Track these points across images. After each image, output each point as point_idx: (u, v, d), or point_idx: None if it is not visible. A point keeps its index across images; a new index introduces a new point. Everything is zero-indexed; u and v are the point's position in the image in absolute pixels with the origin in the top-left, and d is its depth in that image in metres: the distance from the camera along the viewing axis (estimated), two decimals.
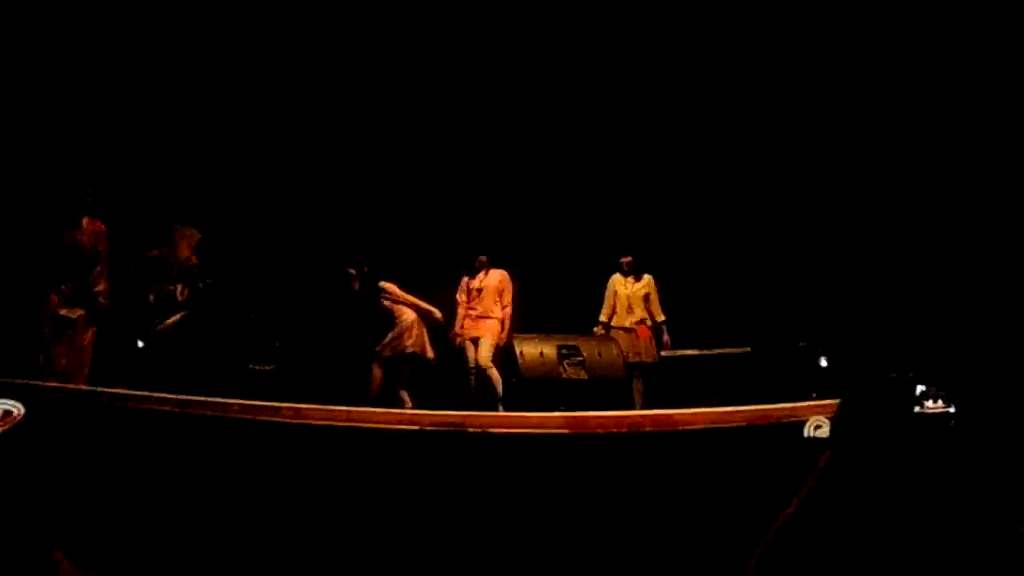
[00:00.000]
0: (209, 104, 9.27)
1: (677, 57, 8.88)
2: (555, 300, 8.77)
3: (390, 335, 7.48)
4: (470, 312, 7.68)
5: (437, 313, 7.61)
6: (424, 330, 7.51)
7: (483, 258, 7.75)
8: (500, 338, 7.57)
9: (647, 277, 8.05)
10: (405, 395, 7.40)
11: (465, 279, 7.78)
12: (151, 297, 7.54)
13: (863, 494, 2.25)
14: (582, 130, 11.09)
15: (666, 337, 8.00)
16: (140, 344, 6.91)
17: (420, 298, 7.61)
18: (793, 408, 6.05)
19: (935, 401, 3.67)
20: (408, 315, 7.50)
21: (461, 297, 7.76)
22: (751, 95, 9.38)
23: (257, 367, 7.73)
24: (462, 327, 7.72)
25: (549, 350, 7.34)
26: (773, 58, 8.57)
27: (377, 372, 7.37)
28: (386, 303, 7.54)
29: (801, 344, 7.54)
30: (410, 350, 7.41)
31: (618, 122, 10.95)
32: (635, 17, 8.74)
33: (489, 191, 10.15)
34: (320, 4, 8.76)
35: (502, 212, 9.08)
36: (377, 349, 7.44)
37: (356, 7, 8.81)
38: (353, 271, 7.68)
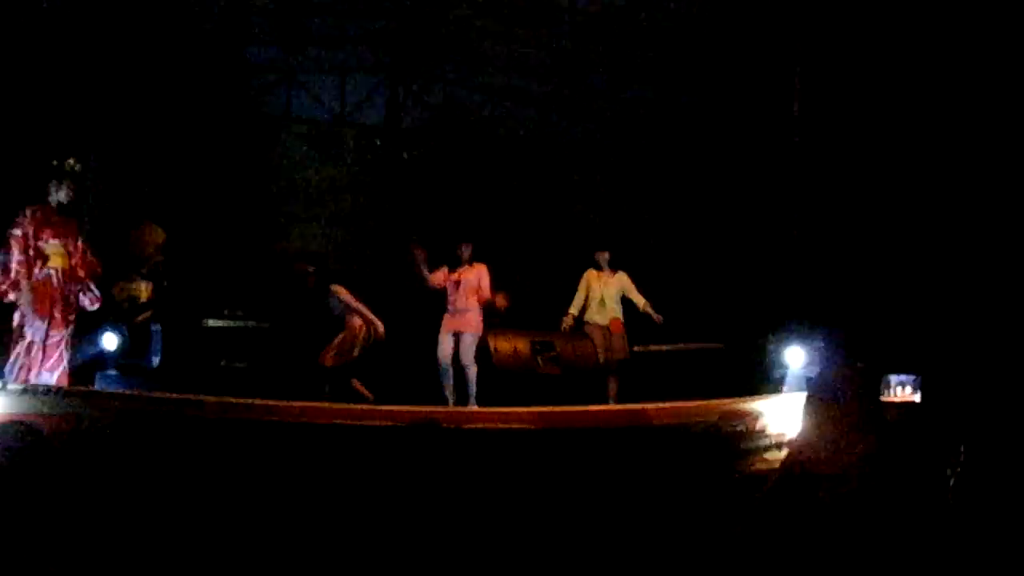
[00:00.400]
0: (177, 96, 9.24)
1: (654, 52, 8.91)
2: (527, 296, 8.77)
3: (336, 342, 7.42)
4: (449, 306, 7.45)
5: (381, 327, 7.52)
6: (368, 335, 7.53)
7: (467, 250, 7.49)
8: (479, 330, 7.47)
9: (621, 274, 8.06)
10: (359, 385, 7.38)
11: (445, 269, 7.51)
12: (114, 291, 7.52)
13: (832, 480, 2.31)
14: (556, 129, 11.19)
15: (656, 316, 7.99)
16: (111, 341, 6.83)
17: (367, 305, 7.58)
18: (755, 401, 6.16)
19: (903, 389, 3.77)
20: (356, 322, 7.45)
21: (435, 278, 7.49)
22: (727, 92, 9.48)
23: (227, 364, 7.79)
24: (453, 321, 7.44)
25: (523, 345, 7.36)
26: (749, 51, 8.62)
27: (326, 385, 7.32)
28: (336, 306, 7.49)
29: (771, 339, 7.59)
30: (357, 355, 7.43)
31: (593, 120, 11.06)
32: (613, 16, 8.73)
33: (462, 186, 10.22)
34: None
35: (476, 207, 9.09)
36: (323, 359, 7.38)
37: None
38: (309, 268, 7.64)
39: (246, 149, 10.05)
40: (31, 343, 5.92)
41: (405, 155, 10.63)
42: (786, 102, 8.21)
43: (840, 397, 2.53)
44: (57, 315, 6.00)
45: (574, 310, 7.90)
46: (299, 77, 10.53)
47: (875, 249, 7.60)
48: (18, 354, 5.90)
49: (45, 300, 5.94)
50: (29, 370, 5.87)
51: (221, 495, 4.65)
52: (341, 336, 7.44)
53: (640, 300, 7.97)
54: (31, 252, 5.91)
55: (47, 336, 5.95)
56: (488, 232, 7.88)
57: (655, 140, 10.93)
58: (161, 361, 7.22)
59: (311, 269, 7.64)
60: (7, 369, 5.85)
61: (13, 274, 5.87)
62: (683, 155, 10.60)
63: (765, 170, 8.93)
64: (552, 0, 8.25)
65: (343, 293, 7.47)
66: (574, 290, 8.01)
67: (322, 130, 10.57)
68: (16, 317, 5.93)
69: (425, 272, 7.44)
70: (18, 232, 5.90)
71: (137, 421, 5.13)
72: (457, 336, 7.35)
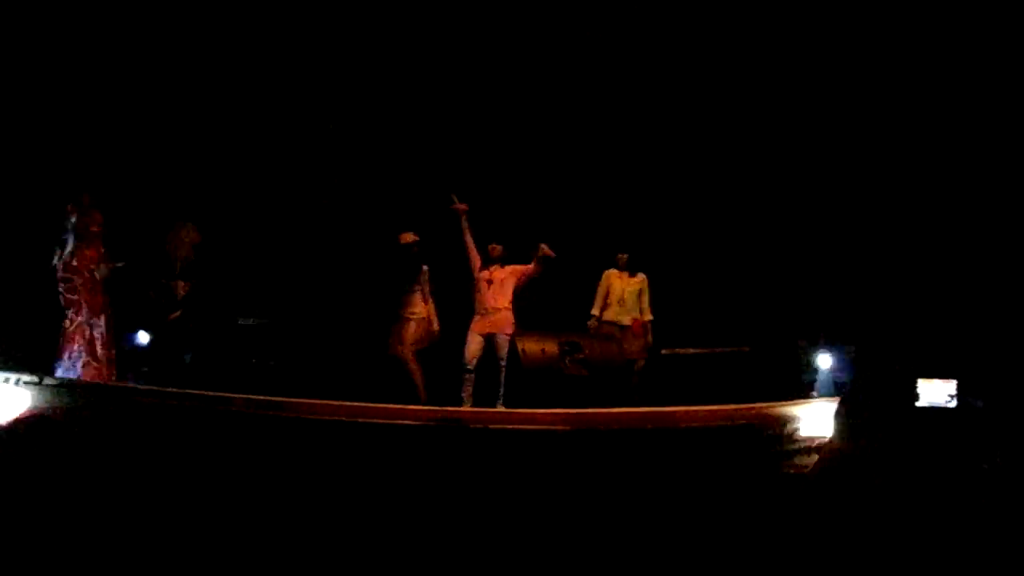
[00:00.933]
0: (210, 100, 9.33)
1: (675, 54, 8.86)
2: (550, 297, 8.73)
3: (410, 332, 7.38)
4: (479, 307, 7.38)
5: (437, 325, 7.54)
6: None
7: (498, 248, 7.46)
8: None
9: (642, 275, 8.05)
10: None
11: (478, 266, 7.44)
12: (151, 292, 7.64)
13: (866, 482, 2.29)
14: (580, 127, 11.14)
15: (649, 337, 8.00)
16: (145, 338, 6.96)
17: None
18: (788, 406, 6.11)
19: (939, 394, 3.71)
20: (422, 311, 7.47)
21: (476, 258, 7.41)
22: (749, 94, 9.41)
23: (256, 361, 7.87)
24: (486, 323, 7.37)
25: (551, 347, 7.34)
26: (770, 56, 8.55)
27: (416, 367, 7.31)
28: (414, 288, 7.47)
29: (801, 343, 7.54)
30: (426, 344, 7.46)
31: (618, 120, 11.00)
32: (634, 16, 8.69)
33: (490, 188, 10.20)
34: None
35: (503, 208, 9.05)
36: (399, 352, 7.33)
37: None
38: (415, 238, 7.56)
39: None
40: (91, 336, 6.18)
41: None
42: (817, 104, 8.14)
43: (875, 402, 2.50)
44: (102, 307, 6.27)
45: (596, 311, 7.90)
46: None
47: (909, 252, 7.52)
48: (80, 348, 6.15)
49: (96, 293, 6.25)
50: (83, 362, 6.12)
51: (244, 489, 4.70)
52: (413, 326, 7.42)
53: (646, 311, 7.97)
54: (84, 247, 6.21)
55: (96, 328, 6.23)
56: (511, 231, 7.82)
57: (682, 137, 10.87)
58: (193, 358, 7.32)
59: (416, 239, 7.56)
60: (64, 363, 6.07)
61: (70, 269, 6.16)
62: (712, 153, 10.53)
63: (797, 170, 8.86)
64: None
65: (426, 275, 7.50)
66: (593, 290, 8.02)
67: None
68: (75, 312, 6.17)
69: (471, 240, 7.41)
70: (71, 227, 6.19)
71: (170, 416, 5.18)
72: (489, 337, 7.33)
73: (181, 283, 7.82)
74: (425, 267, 7.52)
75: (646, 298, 8.00)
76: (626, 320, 7.92)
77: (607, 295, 7.96)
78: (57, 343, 6.19)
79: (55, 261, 6.24)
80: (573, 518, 4.90)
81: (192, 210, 8.19)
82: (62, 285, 6.21)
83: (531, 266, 7.37)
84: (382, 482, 4.98)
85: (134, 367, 6.93)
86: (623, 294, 7.91)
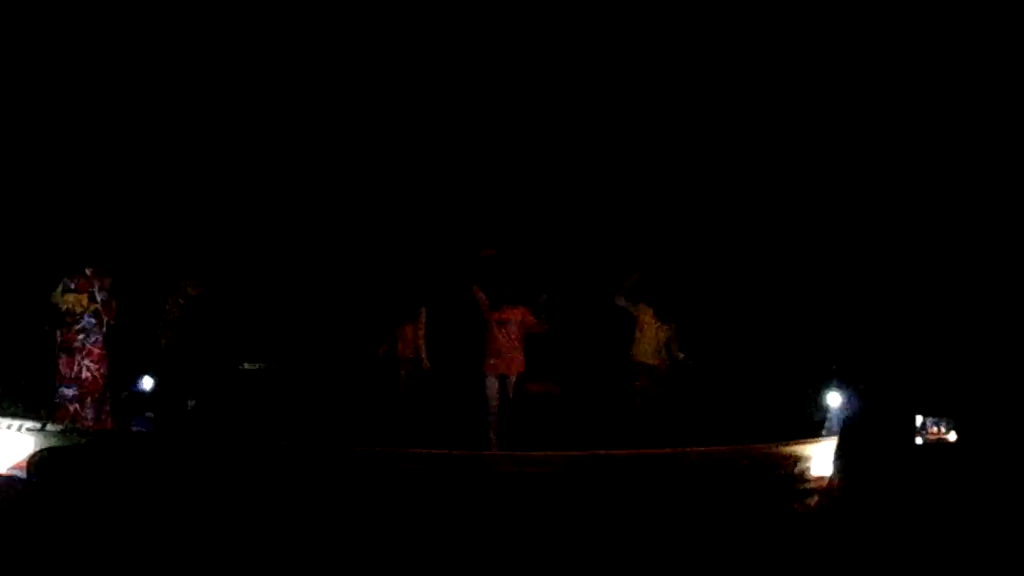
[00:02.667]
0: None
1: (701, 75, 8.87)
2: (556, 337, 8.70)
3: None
4: (492, 348, 7.30)
5: (427, 364, 7.77)
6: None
7: (508, 290, 7.41)
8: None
9: (670, 324, 8.05)
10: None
11: (486, 305, 7.38)
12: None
13: (868, 518, 2.23)
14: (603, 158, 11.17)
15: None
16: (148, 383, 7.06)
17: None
18: (799, 445, 6.03)
19: (938, 429, 3.64)
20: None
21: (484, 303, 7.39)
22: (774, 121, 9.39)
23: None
24: (500, 364, 7.31)
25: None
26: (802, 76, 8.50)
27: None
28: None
29: (812, 382, 7.46)
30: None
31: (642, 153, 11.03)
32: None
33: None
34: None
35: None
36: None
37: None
38: (407, 284, 7.95)
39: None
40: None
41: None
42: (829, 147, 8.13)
43: (874, 439, 2.44)
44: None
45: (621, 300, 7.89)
46: None
47: (910, 293, 7.46)
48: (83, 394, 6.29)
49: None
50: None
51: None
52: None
53: (676, 354, 8.00)
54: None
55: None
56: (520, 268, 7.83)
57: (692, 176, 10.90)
58: (196, 403, 7.37)
59: (408, 285, 7.93)
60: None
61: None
62: (719, 195, 10.55)
63: (808, 209, 8.83)
64: None
65: (423, 317, 7.77)
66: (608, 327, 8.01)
67: None
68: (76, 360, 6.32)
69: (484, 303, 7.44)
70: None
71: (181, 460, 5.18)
72: (503, 379, 7.31)
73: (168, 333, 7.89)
74: (423, 308, 7.72)
75: (675, 345, 8.00)
76: (655, 360, 7.92)
77: (642, 331, 7.93)
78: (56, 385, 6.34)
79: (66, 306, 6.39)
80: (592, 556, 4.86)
81: (193, 262, 8.29)
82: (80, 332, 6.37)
83: (537, 323, 7.38)
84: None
85: (138, 412, 6.95)
86: (656, 337, 7.90)
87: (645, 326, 7.93)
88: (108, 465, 4.72)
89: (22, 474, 4.61)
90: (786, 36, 8.33)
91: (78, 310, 6.37)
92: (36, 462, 2.73)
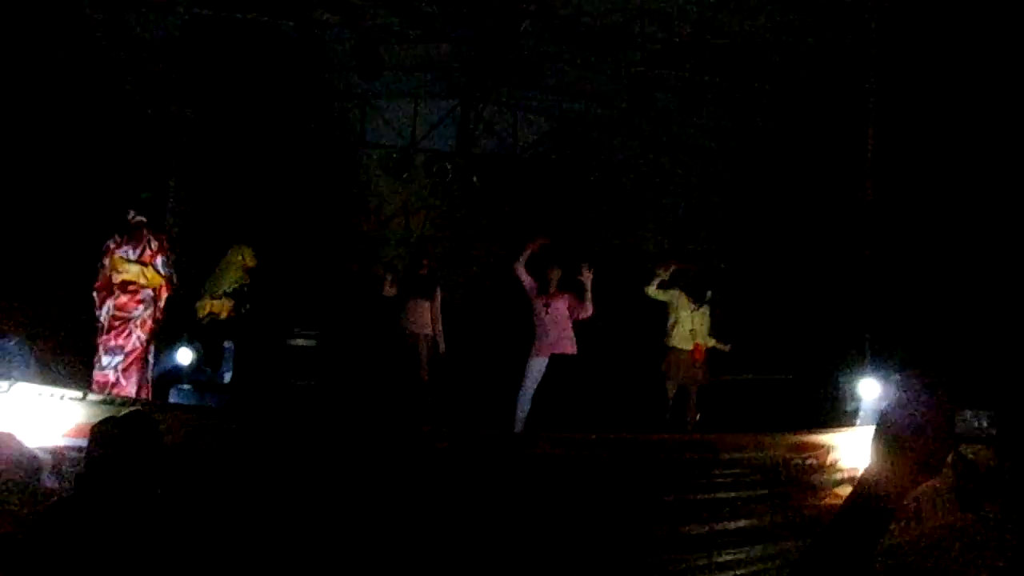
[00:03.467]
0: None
1: (725, 77, 8.77)
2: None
3: (424, 357, 7.90)
4: (541, 331, 7.30)
5: (443, 347, 8.05)
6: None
7: (556, 274, 7.40)
8: None
9: (706, 306, 8.06)
10: None
11: (535, 289, 7.40)
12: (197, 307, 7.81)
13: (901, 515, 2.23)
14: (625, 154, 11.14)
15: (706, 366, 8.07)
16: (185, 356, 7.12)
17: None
18: (830, 434, 6.00)
19: (978, 423, 3.62)
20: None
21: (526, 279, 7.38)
22: (800, 117, 9.31)
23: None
24: (548, 345, 7.30)
25: None
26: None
27: None
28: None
29: (844, 370, 7.42)
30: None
31: (663, 146, 10.97)
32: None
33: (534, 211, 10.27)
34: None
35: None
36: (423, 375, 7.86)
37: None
38: (424, 261, 8.21)
39: (324, 174, 10.32)
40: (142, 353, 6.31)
41: (475, 179, 10.74)
42: (860, 131, 8.00)
43: (913, 430, 2.43)
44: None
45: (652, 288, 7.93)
46: (373, 103, 10.75)
47: (949, 282, 7.35)
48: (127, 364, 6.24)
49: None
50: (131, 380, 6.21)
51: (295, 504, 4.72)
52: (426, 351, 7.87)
53: (708, 338, 8.04)
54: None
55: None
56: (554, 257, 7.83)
57: (726, 165, 10.84)
58: (233, 377, 7.43)
59: (425, 261, 8.17)
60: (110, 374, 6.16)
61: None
62: (756, 181, 10.48)
63: (841, 197, 8.73)
64: (624, 27, 8.19)
65: (438, 296, 8.06)
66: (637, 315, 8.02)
67: (395, 155, 10.75)
68: (128, 329, 6.27)
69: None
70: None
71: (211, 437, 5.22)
72: (552, 358, 7.26)
73: (226, 302, 7.94)
74: (439, 288, 8.00)
75: (708, 330, 8.07)
76: (689, 346, 7.94)
77: (677, 316, 7.94)
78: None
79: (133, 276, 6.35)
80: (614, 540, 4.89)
81: (248, 233, 8.35)
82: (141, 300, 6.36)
83: (583, 307, 7.31)
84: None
85: (174, 385, 7.03)
86: (692, 323, 7.91)
87: (680, 311, 7.95)
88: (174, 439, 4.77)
89: (73, 443, 4.68)
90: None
91: (141, 281, 6.28)
92: (102, 433, 2.77)
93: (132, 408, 5.25)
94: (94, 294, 6.30)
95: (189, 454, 4.85)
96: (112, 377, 6.19)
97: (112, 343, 6.23)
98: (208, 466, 4.80)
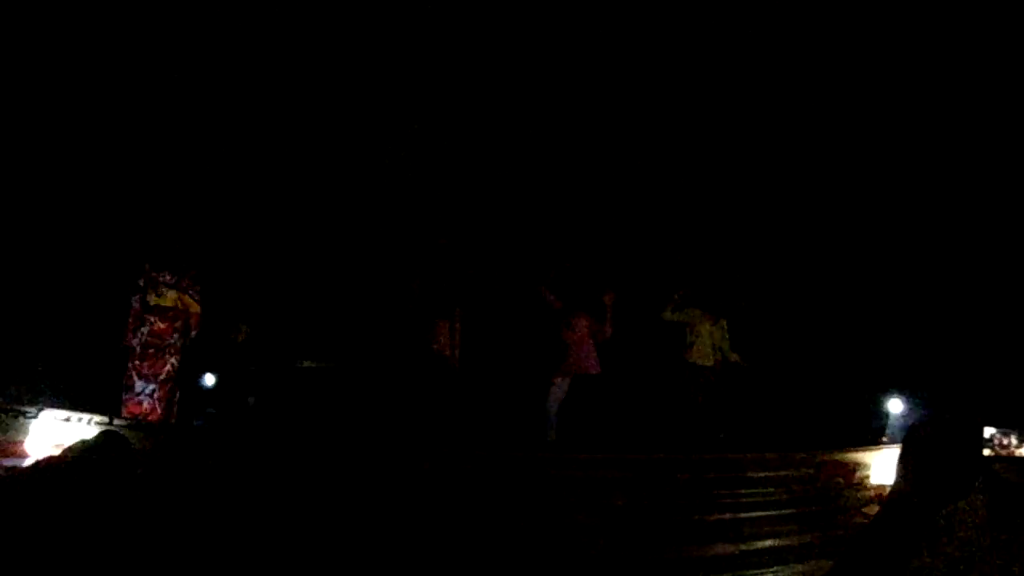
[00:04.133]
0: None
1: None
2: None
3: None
4: (565, 349, 7.37)
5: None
6: None
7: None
8: None
9: (723, 320, 8.00)
10: None
11: (558, 309, 7.47)
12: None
13: (928, 534, 2.20)
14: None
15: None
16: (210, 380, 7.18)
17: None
18: (858, 452, 5.94)
19: (1007, 440, 3.57)
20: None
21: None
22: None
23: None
24: (572, 366, 7.40)
25: None
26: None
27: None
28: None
29: (872, 388, 7.36)
30: None
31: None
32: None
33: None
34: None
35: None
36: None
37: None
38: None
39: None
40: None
41: None
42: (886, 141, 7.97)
43: (939, 449, 2.41)
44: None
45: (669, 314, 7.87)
46: None
47: (978, 300, 7.29)
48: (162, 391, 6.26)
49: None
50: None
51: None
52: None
53: (728, 352, 7.92)
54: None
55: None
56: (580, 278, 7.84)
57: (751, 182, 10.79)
58: (256, 400, 7.48)
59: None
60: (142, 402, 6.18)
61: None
62: (786, 197, 10.42)
63: (869, 218, 8.68)
64: None
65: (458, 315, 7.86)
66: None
67: None
68: (163, 356, 6.28)
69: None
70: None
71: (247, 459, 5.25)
72: (576, 377, 7.34)
73: (243, 326, 7.99)
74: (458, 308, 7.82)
75: (727, 344, 7.97)
76: (710, 362, 7.87)
77: (696, 334, 7.90)
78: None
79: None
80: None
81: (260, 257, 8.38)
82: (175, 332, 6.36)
83: (602, 329, 7.41)
84: None
85: (200, 408, 7.07)
86: (712, 338, 7.86)
87: (698, 327, 7.89)
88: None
89: None
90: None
91: (179, 307, 6.27)
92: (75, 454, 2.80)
93: (155, 433, 5.33)
94: (129, 319, 6.24)
95: (200, 473, 4.87)
96: (147, 405, 6.18)
97: (146, 370, 6.19)
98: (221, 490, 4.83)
